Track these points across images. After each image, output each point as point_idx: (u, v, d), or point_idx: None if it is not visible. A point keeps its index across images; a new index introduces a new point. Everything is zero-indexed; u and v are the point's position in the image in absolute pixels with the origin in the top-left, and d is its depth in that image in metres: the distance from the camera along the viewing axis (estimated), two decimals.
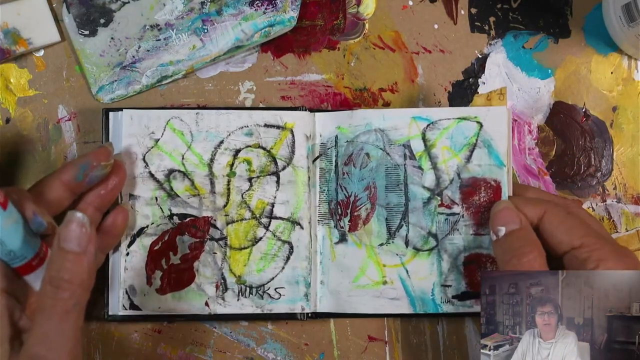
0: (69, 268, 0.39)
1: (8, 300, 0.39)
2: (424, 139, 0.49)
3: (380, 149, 0.49)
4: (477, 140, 0.48)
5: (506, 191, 0.48)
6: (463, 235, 0.48)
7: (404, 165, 0.49)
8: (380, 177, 0.49)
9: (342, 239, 0.50)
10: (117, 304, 0.49)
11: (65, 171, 0.44)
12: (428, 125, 0.49)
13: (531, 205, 0.45)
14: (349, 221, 0.50)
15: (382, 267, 0.49)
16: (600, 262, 0.41)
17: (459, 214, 0.48)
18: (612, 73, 0.54)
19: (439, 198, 0.49)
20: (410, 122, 0.49)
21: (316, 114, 0.51)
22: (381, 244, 0.49)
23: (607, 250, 0.42)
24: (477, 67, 0.53)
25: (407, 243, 0.49)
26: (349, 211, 0.50)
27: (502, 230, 0.44)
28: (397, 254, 0.49)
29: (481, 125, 0.48)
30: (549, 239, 0.44)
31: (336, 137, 0.50)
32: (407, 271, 0.49)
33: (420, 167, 0.49)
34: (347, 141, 0.50)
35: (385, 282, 0.49)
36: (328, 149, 0.50)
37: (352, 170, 0.50)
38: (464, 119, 0.48)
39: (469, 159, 0.48)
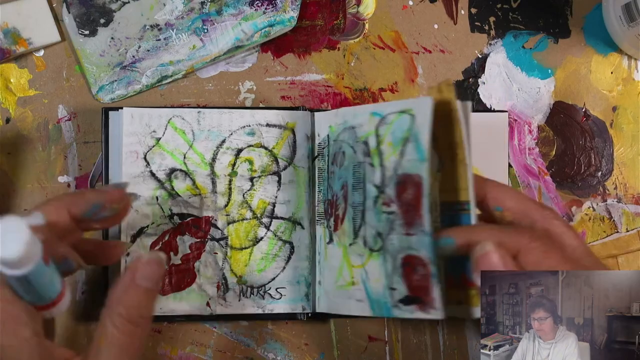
0: (147, 305, 0.39)
1: (44, 341, 0.38)
2: (377, 135, 0.45)
3: (350, 146, 0.47)
4: (410, 133, 0.43)
5: (427, 187, 0.42)
6: (398, 236, 0.43)
7: (364, 162, 0.45)
8: (350, 175, 0.46)
9: (331, 239, 0.49)
10: None
11: (76, 204, 0.42)
12: (380, 121, 0.45)
13: (504, 243, 0.40)
14: (333, 221, 0.48)
15: (351, 268, 0.47)
16: None
17: (394, 212, 0.43)
18: (612, 73, 0.54)
19: (383, 196, 0.44)
20: (370, 118, 0.45)
21: (315, 113, 0.51)
22: (350, 244, 0.47)
23: None
24: (477, 67, 0.53)
25: (364, 243, 0.45)
26: (332, 211, 0.48)
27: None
28: (359, 255, 0.46)
29: (414, 118, 0.43)
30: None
31: (328, 136, 0.50)
32: (366, 272, 0.45)
33: (372, 164, 0.45)
34: (333, 140, 0.49)
35: (353, 283, 0.46)
36: (323, 148, 0.50)
37: (335, 169, 0.48)
38: (404, 112, 0.43)
39: (403, 154, 0.43)
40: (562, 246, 0.41)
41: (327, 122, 0.49)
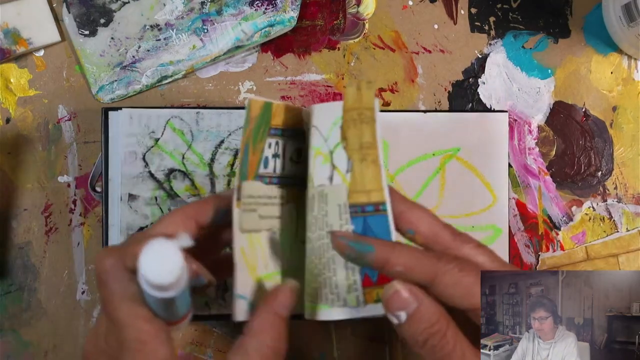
0: (285, 336, 0.40)
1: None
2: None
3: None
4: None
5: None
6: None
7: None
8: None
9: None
10: None
11: (201, 213, 0.42)
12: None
13: (418, 270, 0.39)
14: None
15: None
16: None
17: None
18: (612, 73, 0.54)
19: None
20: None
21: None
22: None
23: None
24: (477, 67, 0.53)
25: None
26: None
27: (403, 315, 0.38)
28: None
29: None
30: (445, 300, 0.39)
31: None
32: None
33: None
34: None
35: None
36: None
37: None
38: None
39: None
40: (477, 264, 0.40)
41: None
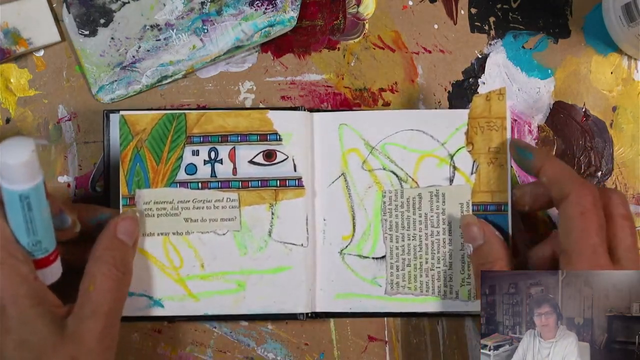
0: (128, 257, 0.45)
1: (39, 281, 0.41)
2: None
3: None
4: None
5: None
6: None
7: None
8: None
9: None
10: None
11: (85, 210, 0.46)
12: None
13: (557, 187, 0.44)
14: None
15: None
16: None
17: None
18: (612, 73, 0.54)
19: None
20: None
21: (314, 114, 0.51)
22: None
23: None
24: (477, 67, 0.53)
25: None
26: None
27: (470, 248, 0.47)
28: None
29: None
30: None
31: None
32: None
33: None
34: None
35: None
36: None
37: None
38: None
39: None
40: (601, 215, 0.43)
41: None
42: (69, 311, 0.41)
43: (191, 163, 0.49)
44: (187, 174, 0.49)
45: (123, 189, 0.48)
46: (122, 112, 0.49)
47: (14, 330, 0.38)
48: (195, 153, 0.49)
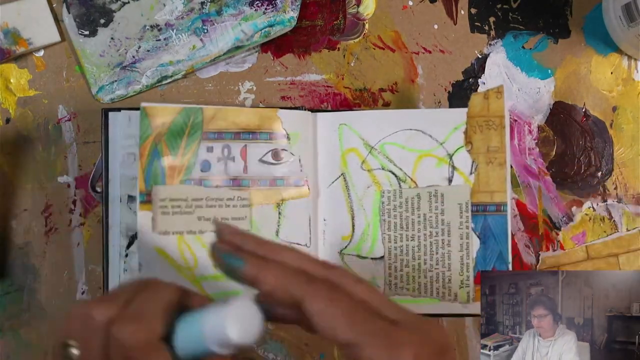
0: None
1: None
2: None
3: None
4: None
5: None
6: None
7: None
8: None
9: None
10: None
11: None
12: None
13: (284, 292, 0.34)
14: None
15: None
16: None
17: None
18: (612, 73, 0.54)
19: None
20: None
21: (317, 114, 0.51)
22: None
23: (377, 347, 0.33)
24: (477, 67, 0.53)
25: None
26: None
27: None
28: None
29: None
30: (314, 329, 0.34)
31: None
32: None
33: None
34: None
35: None
36: None
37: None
38: None
39: None
40: (351, 293, 0.34)
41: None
42: None
43: (206, 160, 0.49)
44: (202, 171, 0.48)
45: (140, 185, 0.47)
46: (143, 104, 0.48)
47: None
48: (210, 150, 0.49)
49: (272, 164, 0.49)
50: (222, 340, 0.32)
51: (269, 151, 0.49)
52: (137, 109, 0.51)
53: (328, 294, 0.33)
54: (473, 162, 0.49)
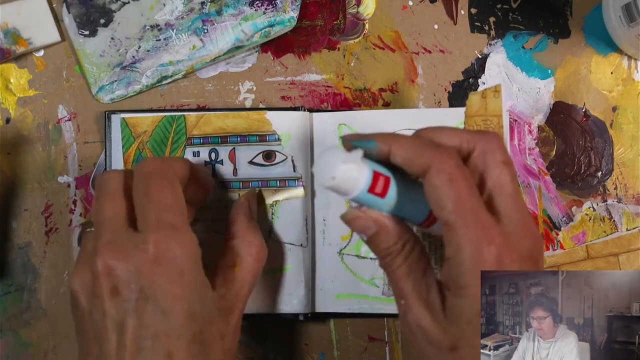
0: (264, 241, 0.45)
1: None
2: None
3: None
4: None
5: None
6: None
7: None
8: None
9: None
10: None
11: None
12: None
13: (415, 162, 0.38)
14: None
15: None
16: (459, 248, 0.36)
17: None
18: (612, 73, 0.54)
19: None
20: None
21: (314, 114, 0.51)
22: None
23: (470, 235, 0.36)
24: (477, 67, 0.53)
25: None
26: None
27: (364, 236, 0.40)
28: None
29: None
30: (428, 199, 0.38)
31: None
32: None
33: None
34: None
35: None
36: None
37: None
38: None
39: None
40: (470, 177, 0.37)
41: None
42: (212, 287, 0.40)
43: None
44: None
45: None
46: (122, 115, 0.49)
47: (188, 298, 0.37)
48: (196, 154, 0.49)
49: (264, 165, 0.49)
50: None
51: (260, 153, 0.49)
52: (138, 110, 0.51)
53: (452, 170, 0.36)
54: None
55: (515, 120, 0.53)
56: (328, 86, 0.53)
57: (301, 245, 0.49)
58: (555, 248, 0.52)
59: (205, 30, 0.51)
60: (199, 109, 0.52)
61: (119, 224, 0.38)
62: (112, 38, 0.51)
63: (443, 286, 0.38)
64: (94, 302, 0.37)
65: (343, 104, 0.53)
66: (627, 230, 0.53)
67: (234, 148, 0.49)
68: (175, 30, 0.51)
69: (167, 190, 0.39)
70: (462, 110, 0.49)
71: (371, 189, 0.38)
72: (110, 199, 0.39)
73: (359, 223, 0.39)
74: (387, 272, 0.39)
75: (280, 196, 0.49)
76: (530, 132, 0.53)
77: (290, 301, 0.49)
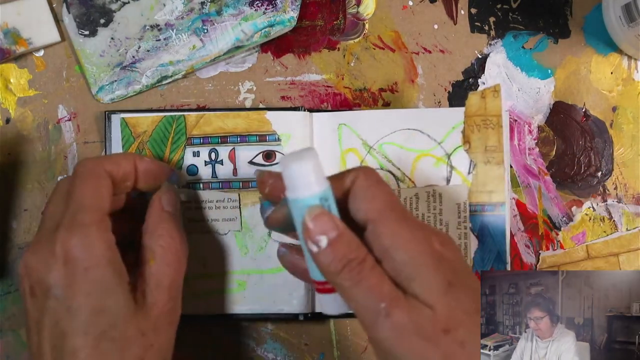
0: (178, 228, 0.44)
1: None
2: None
3: None
4: None
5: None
6: None
7: None
8: None
9: None
10: None
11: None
12: None
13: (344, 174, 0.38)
14: None
15: None
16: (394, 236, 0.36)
17: None
18: (612, 73, 0.54)
19: None
20: None
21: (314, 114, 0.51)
22: None
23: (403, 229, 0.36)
24: (477, 68, 0.53)
25: None
26: None
27: (324, 241, 0.35)
28: None
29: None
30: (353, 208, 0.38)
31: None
32: None
33: None
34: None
35: None
36: None
37: None
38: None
39: None
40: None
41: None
42: (133, 284, 0.40)
43: (192, 164, 0.49)
44: (189, 175, 0.49)
45: None
46: (122, 115, 0.49)
47: (93, 295, 0.37)
48: (196, 154, 0.49)
49: (264, 165, 0.49)
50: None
51: (260, 153, 0.49)
52: (138, 110, 0.51)
53: (378, 176, 0.38)
54: (471, 161, 0.49)
55: (515, 120, 0.53)
56: (328, 86, 0.53)
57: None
58: (555, 248, 0.52)
59: (205, 30, 0.51)
60: (199, 109, 0.52)
61: (47, 225, 0.40)
62: (112, 38, 0.51)
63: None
64: (23, 303, 0.39)
65: (343, 104, 0.53)
66: (627, 230, 0.53)
67: (233, 148, 0.49)
68: (175, 30, 0.51)
69: (86, 189, 0.40)
70: (458, 109, 0.50)
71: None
72: (50, 202, 0.42)
73: (321, 224, 0.35)
74: (353, 282, 0.35)
75: None
76: (530, 132, 0.53)
77: (290, 301, 0.49)
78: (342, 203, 0.38)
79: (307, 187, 0.35)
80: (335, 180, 0.38)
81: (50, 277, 0.38)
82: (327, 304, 0.38)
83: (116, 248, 0.39)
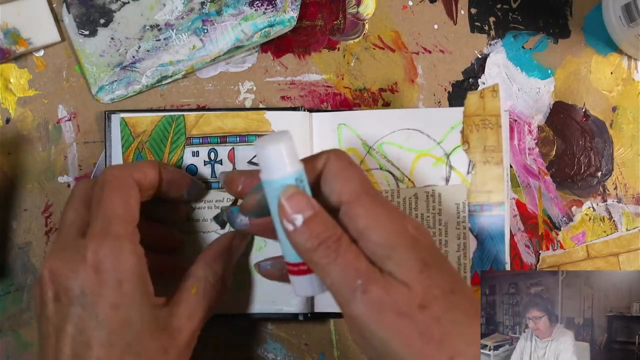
0: (230, 273, 0.46)
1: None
2: None
3: None
4: None
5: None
6: None
7: None
8: None
9: None
10: None
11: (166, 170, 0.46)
12: None
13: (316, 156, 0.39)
14: None
15: None
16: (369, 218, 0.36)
17: None
18: (612, 73, 0.54)
19: None
20: None
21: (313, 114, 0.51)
22: None
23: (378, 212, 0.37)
24: (477, 68, 0.53)
25: None
26: None
27: (300, 219, 0.36)
28: None
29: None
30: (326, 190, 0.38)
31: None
32: None
33: None
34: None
35: None
36: None
37: None
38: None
39: None
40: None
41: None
42: (164, 303, 0.40)
43: (191, 164, 0.49)
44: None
45: None
46: (122, 115, 0.49)
47: (122, 307, 0.38)
48: (196, 154, 0.49)
49: None
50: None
51: None
52: (137, 110, 0.51)
53: (349, 157, 0.39)
54: (470, 161, 0.49)
55: (515, 120, 0.53)
56: (328, 86, 0.53)
57: None
58: (555, 248, 0.52)
59: (205, 30, 0.51)
60: (199, 109, 0.52)
61: (71, 231, 0.40)
62: (112, 38, 0.51)
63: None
64: (42, 308, 0.39)
65: (343, 104, 0.53)
66: (627, 230, 0.53)
67: (233, 148, 0.49)
68: (175, 30, 0.51)
69: (117, 199, 0.39)
70: (457, 109, 0.50)
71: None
72: (70, 207, 0.41)
73: (297, 203, 0.36)
74: (330, 259, 0.35)
75: None
76: (530, 132, 0.53)
77: (290, 301, 0.49)
78: (314, 185, 0.38)
79: (282, 168, 0.36)
80: (308, 162, 0.38)
81: (80, 285, 0.37)
82: (302, 285, 0.39)
83: (145, 261, 0.39)
